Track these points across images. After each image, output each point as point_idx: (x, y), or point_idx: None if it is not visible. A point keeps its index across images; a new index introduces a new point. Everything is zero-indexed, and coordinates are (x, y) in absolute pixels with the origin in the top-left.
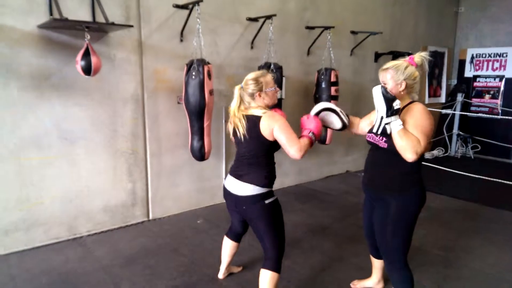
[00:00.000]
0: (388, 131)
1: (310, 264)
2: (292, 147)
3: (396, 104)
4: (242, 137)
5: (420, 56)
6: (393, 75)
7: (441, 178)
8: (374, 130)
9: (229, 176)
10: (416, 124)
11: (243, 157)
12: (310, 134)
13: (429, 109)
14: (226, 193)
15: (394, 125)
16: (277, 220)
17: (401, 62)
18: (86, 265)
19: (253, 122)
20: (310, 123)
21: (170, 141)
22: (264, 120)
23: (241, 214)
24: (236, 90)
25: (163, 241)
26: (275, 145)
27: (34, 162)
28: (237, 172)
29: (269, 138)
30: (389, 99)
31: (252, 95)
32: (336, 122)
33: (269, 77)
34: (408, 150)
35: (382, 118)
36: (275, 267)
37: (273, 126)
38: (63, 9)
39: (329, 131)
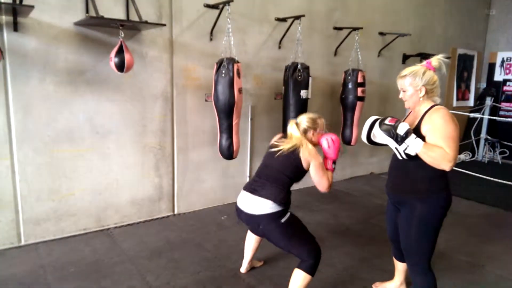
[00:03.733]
0: (413, 153)
1: (332, 264)
2: (323, 185)
3: (401, 129)
4: (281, 156)
5: (437, 60)
6: (411, 82)
7: (467, 182)
8: (399, 157)
9: (242, 192)
10: (441, 133)
11: (269, 172)
12: (334, 166)
13: (457, 112)
14: (238, 211)
15: (414, 147)
16: (298, 232)
17: (419, 67)
18: (113, 256)
19: (297, 148)
20: (332, 152)
21: (197, 138)
22: (305, 150)
23: (257, 234)
24: (293, 125)
25: (187, 236)
26: (301, 176)
27: (66, 155)
28: (253, 186)
29: (304, 167)
30: (388, 130)
31: (305, 131)
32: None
33: (323, 121)
34: (440, 162)
35: (396, 148)
36: (309, 270)
37: (311, 161)
38: (98, 7)
39: (354, 133)
